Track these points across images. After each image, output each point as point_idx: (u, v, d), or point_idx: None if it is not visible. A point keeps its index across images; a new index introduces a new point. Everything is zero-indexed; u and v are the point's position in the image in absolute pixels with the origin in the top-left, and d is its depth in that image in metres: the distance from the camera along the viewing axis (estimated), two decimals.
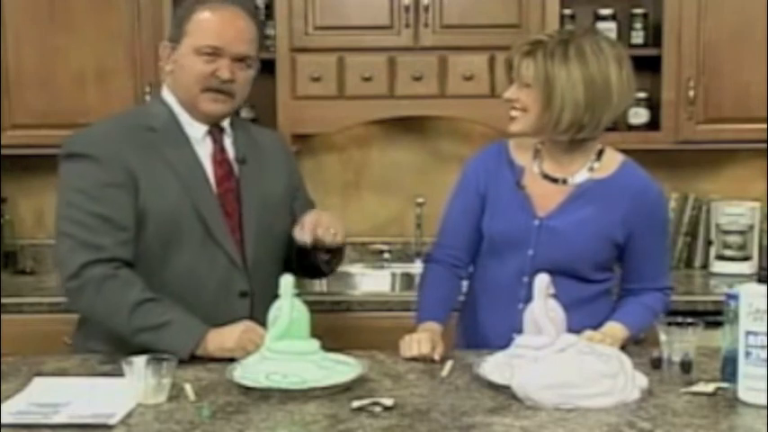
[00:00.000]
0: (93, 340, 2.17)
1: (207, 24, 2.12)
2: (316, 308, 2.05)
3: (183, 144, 2.16)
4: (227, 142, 2.22)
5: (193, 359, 2.01)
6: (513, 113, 2.15)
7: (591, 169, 2.19)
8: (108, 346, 2.11)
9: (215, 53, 2.11)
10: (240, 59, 2.14)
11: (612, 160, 2.21)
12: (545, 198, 2.19)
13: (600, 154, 2.21)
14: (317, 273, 2.33)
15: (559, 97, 2.08)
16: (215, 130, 2.20)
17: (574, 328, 1.95)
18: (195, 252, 2.11)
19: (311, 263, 2.25)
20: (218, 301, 2.13)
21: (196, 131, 2.18)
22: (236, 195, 2.18)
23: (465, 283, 2.33)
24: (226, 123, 2.23)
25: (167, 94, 2.20)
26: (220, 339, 2.02)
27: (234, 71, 2.13)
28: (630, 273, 2.23)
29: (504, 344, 1.97)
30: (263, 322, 1.99)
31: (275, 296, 1.94)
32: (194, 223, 2.11)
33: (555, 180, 2.20)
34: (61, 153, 2.14)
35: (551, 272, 2.00)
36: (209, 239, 2.12)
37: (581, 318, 2.04)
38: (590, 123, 2.11)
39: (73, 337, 2.28)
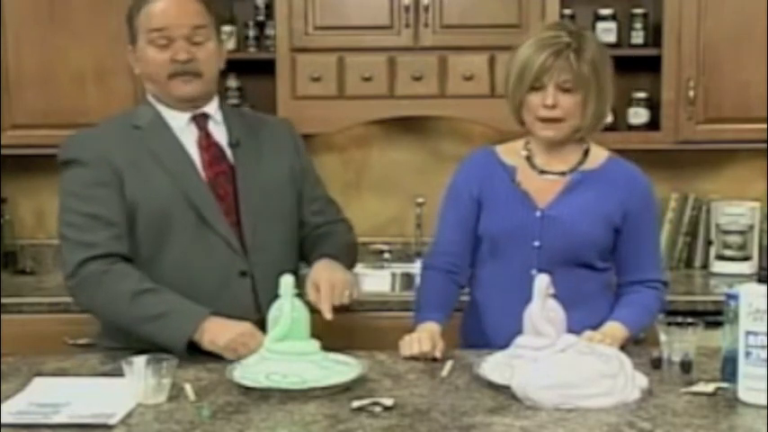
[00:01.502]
0: (107, 338, 2.21)
1: (151, 12, 2.16)
2: (316, 308, 2.06)
3: (168, 136, 2.20)
4: (214, 128, 2.24)
5: (193, 357, 2.02)
6: (552, 115, 2.14)
7: (581, 162, 2.23)
8: (121, 342, 2.12)
9: (166, 37, 2.14)
10: (193, 36, 2.15)
11: (599, 155, 2.26)
12: (543, 191, 2.21)
13: (586, 150, 2.25)
14: None
15: (605, 88, 2.16)
16: (199, 118, 2.22)
17: (579, 324, 1.96)
18: (190, 238, 2.14)
19: None
20: (218, 284, 2.15)
21: (179, 121, 2.21)
22: (229, 178, 2.20)
23: (464, 290, 2.32)
24: (212, 110, 2.25)
25: (150, 95, 2.25)
26: (215, 333, 2.02)
27: (190, 50, 2.15)
28: (625, 264, 2.23)
29: None
30: (266, 302, 1.99)
31: (279, 275, 1.95)
32: (186, 210, 2.13)
33: (550, 173, 2.23)
34: (57, 162, 2.20)
35: (559, 263, 2.01)
36: (202, 224, 2.14)
37: (586, 312, 2.06)
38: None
39: (96, 336, 2.31)
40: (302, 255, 2.32)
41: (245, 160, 2.23)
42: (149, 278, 2.09)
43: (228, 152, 2.22)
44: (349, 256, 2.32)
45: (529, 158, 2.25)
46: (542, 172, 2.23)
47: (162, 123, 2.21)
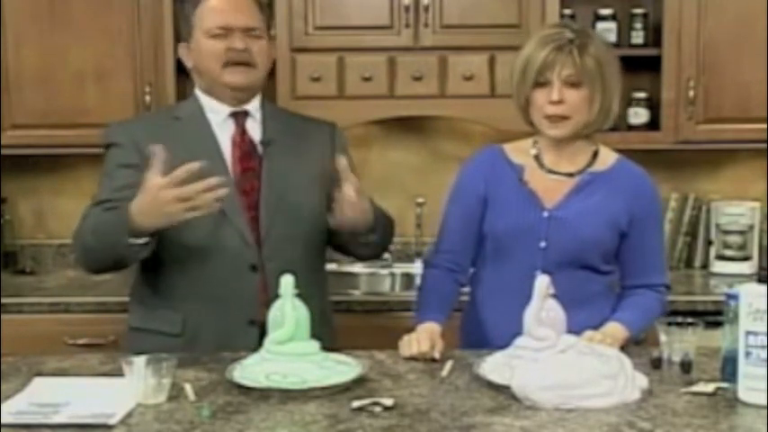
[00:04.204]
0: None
1: (211, 10, 2.24)
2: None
3: (203, 129, 2.27)
4: (250, 125, 2.29)
5: (193, 358, 2.02)
6: (558, 112, 2.14)
7: (590, 164, 2.23)
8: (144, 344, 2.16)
9: (224, 32, 2.22)
10: (249, 32, 2.23)
11: (608, 156, 2.26)
12: (550, 191, 2.21)
13: (596, 151, 2.25)
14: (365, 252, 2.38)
15: (611, 84, 2.15)
16: (239, 114, 2.28)
17: (580, 325, 1.96)
18: (207, 230, 2.17)
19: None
20: (228, 275, 2.21)
21: (217, 116, 2.28)
22: (256, 174, 2.26)
23: (465, 289, 2.32)
24: (253, 108, 2.30)
25: (197, 90, 2.32)
26: (141, 217, 2.02)
27: (246, 41, 2.22)
28: (629, 267, 2.24)
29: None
30: (273, 297, 1.98)
31: (292, 272, 1.94)
32: None
33: (558, 173, 2.22)
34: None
35: (563, 264, 2.00)
36: (221, 217, 2.17)
37: (588, 313, 2.06)
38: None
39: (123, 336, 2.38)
40: (336, 245, 2.35)
41: (274, 158, 2.27)
42: (165, 260, 2.18)
43: (260, 149, 2.28)
44: (383, 219, 2.30)
45: (537, 157, 2.25)
46: (550, 171, 2.23)
47: (201, 117, 2.28)
